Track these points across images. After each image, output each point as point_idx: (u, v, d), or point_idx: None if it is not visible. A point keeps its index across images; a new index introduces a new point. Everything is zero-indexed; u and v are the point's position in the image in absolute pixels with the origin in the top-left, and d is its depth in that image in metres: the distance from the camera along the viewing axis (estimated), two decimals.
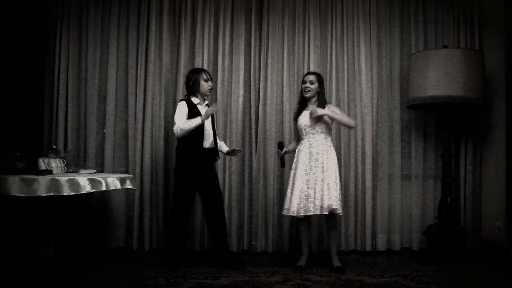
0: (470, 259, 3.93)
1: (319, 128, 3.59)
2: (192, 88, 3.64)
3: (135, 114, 4.27)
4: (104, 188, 3.26)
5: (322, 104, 3.63)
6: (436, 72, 3.89)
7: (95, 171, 3.88)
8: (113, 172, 4.23)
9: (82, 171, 3.77)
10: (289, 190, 3.61)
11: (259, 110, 4.33)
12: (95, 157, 4.28)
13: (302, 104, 3.72)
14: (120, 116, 4.35)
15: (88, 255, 3.92)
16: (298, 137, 3.75)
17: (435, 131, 4.44)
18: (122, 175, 3.53)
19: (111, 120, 4.30)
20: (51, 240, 3.21)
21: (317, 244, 4.24)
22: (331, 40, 4.39)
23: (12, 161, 3.30)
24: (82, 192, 3.13)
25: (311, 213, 3.48)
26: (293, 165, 3.65)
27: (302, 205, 3.49)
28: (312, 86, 3.63)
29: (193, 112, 3.56)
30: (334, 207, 3.43)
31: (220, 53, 4.31)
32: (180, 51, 4.31)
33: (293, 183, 3.57)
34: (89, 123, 4.27)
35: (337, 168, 3.59)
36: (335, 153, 3.64)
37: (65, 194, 3.05)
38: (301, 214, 3.50)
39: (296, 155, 3.67)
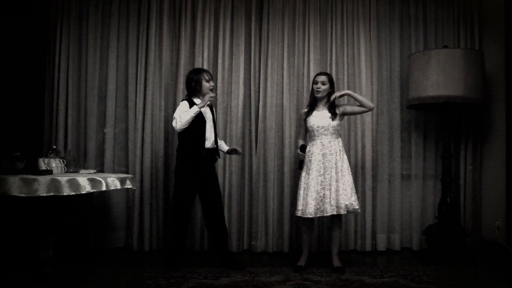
0: (470, 259, 3.93)
1: (332, 128, 3.58)
2: (193, 89, 3.63)
3: (135, 114, 4.28)
4: (104, 188, 3.26)
5: (332, 104, 3.62)
6: (436, 72, 3.89)
7: (95, 171, 3.89)
8: (113, 172, 4.23)
9: (82, 171, 3.78)
10: (301, 191, 3.56)
11: (259, 110, 4.33)
12: (95, 157, 4.28)
13: (312, 104, 3.71)
14: (120, 116, 4.36)
15: (88, 255, 3.92)
16: (305, 137, 3.74)
17: (435, 131, 4.44)
18: (122, 175, 3.53)
19: (111, 120, 4.30)
20: (51, 240, 3.21)
21: (317, 244, 4.24)
22: (331, 40, 4.39)
23: (12, 161, 3.31)
24: (82, 192, 3.13)
25: (328, 214, 3.48)
26: (304, 166, 3.62)
27: (319, 206, 3.48)
28: (324, 87, 3.63)
29: None
30: (355, 206, 3.50)
31: (220, 53, 4.31)
32: (180, 51, 4.31)
33: (307, 184, 3.54)
34: (89, 123, 4.27)
35: (349, 167, 3.61)
36: (345, 153, 3.66)
37: (65, 194, 3.05)
38: (318, 215, 3.50)
39: (307, 156, 3.64)
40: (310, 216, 3.49)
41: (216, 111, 4.14)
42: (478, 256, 4.10)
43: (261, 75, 4.35)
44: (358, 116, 4.27)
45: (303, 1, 4.40)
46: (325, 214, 3.48)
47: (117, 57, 4.34)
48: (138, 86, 4.28)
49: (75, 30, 4.29)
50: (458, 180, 4.38)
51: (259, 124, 4.32)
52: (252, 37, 4.35)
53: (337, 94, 3.60)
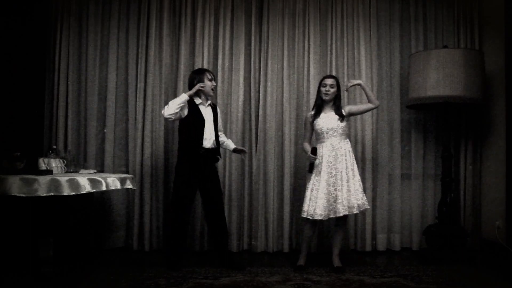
0: (470, 259, 3.93)
1: (341, 130, 3.59)
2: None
3: (135, 114, 4.28)
4: (104, 188, 3.26)
5: (338, 107, 3.64)
6: (436, 72, 3.89)
7: (95, 171, 3.88)
8: (113, 172, 4.23)
9: (82, 171, 3.77)
10: (309, 193, 3.55)
11: (259, 110, 4.33)
12: (95, 157, 4.27)
13: (319, 107, 3.70)
14: (120, 116, 4.36)
15: (88, 255, 3.93)
16: (310, 140, 3.74)
17: (435, 131, 4.44)
18: (122, 175, 3.53)
19: (111, 120, 4.30)
20: (51, 240, 3.21)
21: (317, 244, 4.24)
22: (331, 40, 4.39)
23: (12, 161, 3.30)
24: (82, 192, 3.12)
25: (341, 214, 3.48)
26: (314, 169, 3.59)
27: (331, 207, 3.48)
28: (332, 90, 3.63)
29: (194, 112, 3.56)
30: (367, 206, 3.56)
31: (220, 53, 4.31)
32: (180, 51, 4.31)
33: (317, 186, 3.52)
34: (89, 123, 4.27)
35: (357, 167, 3.65)
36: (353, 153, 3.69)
37: (65, 194, 3.05)
38: (331, 216, 3.49)
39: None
40: (321, 218, 3.47)
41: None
42: (478, 256, 4.10)
43: (261, 75, 4.35)
44: (358, 116, 4.26)
45: (303, 1, 4.40)
46: (337, 215, 3.48)
47: (117, 57, 4.34)
48: (138, 86, 4.28)
49: (75, 30, 4.30)
50: (458, 180, 4.38)
51: (259, 124, 4.32)
52: (252, 37, 4.35)
53: (351, 82, 3.66)
